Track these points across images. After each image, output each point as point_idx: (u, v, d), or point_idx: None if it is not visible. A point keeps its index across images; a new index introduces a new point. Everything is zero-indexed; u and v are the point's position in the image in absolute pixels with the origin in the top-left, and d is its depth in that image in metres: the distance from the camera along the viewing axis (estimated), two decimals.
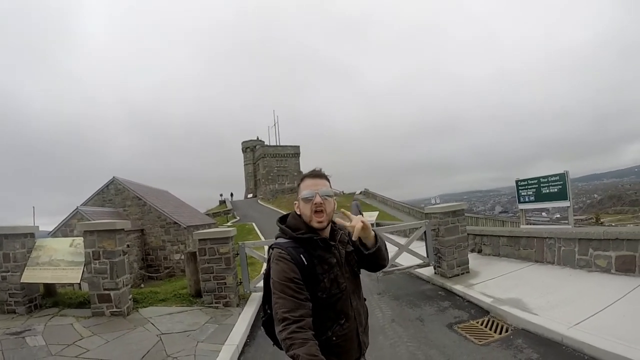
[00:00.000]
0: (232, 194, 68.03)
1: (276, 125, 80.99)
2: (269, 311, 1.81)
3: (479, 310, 5.57)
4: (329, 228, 1.85)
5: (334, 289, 1.77)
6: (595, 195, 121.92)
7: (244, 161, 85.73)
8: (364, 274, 2.07)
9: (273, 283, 1.70)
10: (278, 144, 78.14)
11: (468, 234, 8.05)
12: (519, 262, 7.22)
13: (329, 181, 1.89)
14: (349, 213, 1.84)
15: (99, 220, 6.96)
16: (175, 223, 19.87)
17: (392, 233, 11.70)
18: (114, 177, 20.79)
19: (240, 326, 5.59)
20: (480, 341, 4.44)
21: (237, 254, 7.13)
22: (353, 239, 1.77)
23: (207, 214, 37.16)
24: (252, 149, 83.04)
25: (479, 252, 8.75)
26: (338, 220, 1.83)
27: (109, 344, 5.02)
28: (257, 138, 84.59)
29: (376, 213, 21.32)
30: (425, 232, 7.64)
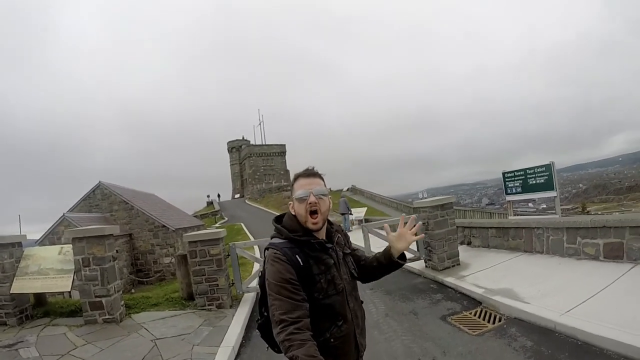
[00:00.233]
0: (219, 195, 67.83)
1: (261, 124, 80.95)
2: (265, 314, 1.77)
3: (471, 301, 5.64)
4: (325, 228, 1.84)
5: (331, 290, 1.74)
6: (581, 185, 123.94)
7: (230, 161, 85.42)
8: None
9: (269, 284, 1.66)
10: (264, 143, 78.09)
11: (457, 226, 8.14)
12: (508, 253, 7.32)
13: (323, 180, 1.86)
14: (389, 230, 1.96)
15: (88, 226, 6.87)
16: (164, 226, 19.70)
17: (381, 228, 11.73)
18: (100, 181, 20.55)
19: (234, 327, 5.57)
20: (474, 332, 4.50)
21: (228, 255, 7.11)
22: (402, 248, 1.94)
23: (195, 216, 36.93)
24: (238, 149, 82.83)
25: (469, 244, 8.85)
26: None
27: (104, 352, 4.96)
28: (243, 138, 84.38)
29: (364, 209, 21.39)
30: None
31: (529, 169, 8.36)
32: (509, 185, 9.05)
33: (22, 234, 7.18)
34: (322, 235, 1.83)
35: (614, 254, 5.34)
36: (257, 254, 9.57)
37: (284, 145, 78.64)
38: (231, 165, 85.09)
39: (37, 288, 6.38)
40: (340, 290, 1.79)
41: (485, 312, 5.06)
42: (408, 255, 7.55)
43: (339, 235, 1.94)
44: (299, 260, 1.70)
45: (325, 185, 1.85)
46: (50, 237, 17.36)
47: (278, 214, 1.98)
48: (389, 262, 1.98)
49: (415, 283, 7.16)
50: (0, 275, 6.28)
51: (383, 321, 5.30)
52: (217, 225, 32.94)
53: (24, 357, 4.93)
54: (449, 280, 6.59)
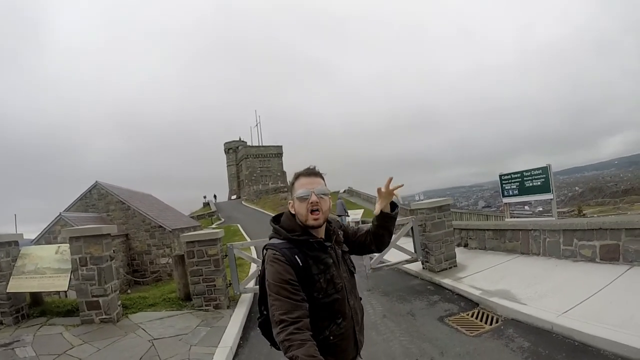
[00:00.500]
0: (215, 196, 67.65)
1: (258, 125, 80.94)
2: (265, 312, 1.78)
3: (468, 302, 5.66)
4: (324, 227, 1.84)
5: (330, 289, 1.75)
6: (577, 188, 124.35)
7: (227, 162, 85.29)
8: None
9: (269, 285, 1.67)
10: (261, 144, 78.00)
11: (454, 228, 8.16)
12: (505, 255, 7.34)
13: (323, 179, 1.86)
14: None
15: (85, 226, 6.84)
16: (160, 227, 19.63)
17: None
18: (96, 181, 20.46)
19: (232, 328, 5.56)
20: (471, 333, 4.52)
21: (226, 256, 7.10)
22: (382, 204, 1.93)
23: (191, 217, 36.81)
24: (235, 150, 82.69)
25: (465, 246, 8.87)
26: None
27: (101, 352, 4.94)
28: (240, 139, 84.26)
29: (361, 211, 21.38)
30: (412, 228, 7.71)
31: (526, 171, 8.40)
32: (506, 188, 9.09)
33: (18, 233, 7.14)
34: (321, 234, 1.83)
35: (610, 255, 5.36)
36: (255, 255, 9.57)
37: (281, 146, 78.61)
38: (228, 166, 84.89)
39: (34, 287, 6.35)
40: (340, 289, 1.79)
41: (483, 314, 5.08)
42: (405, 257, 7.47)
43: (339, 232, 1.94)
44: (298, 260, 1.70)
45: (325, 185, 1.85)
46: (47, 237, 17.26)
47: (275, 215, 1.98)
48: (384, 216, 1.98)
49: (413, 284, 7.17)
50: None
51: (381, 322, 5.31)
52: (213, 226, 32.85)
53: (21, 356, 4.91)
54: (446, 281, 6.61)
